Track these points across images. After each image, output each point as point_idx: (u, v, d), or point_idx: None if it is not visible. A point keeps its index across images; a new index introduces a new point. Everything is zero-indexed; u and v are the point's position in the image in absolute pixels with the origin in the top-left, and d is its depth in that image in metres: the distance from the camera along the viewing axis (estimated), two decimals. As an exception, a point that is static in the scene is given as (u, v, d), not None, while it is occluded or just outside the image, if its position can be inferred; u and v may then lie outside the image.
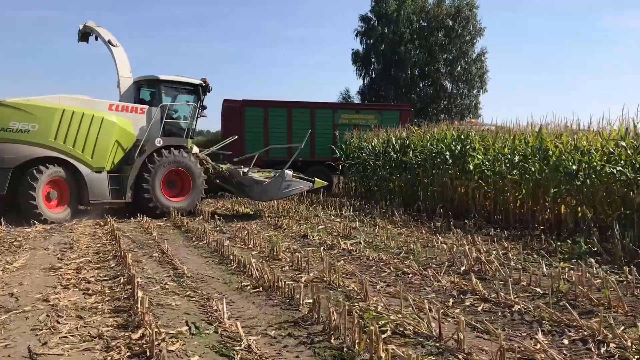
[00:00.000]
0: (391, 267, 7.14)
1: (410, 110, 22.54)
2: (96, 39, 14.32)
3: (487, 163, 12.60)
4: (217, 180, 13.86)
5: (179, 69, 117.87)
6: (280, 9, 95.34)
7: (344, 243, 9.04)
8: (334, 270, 6.51)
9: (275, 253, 8.02)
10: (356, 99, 47.84)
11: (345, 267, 6.96)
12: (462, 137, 13.65)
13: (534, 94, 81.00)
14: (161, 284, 6.21)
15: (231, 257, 7.65)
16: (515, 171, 11.71)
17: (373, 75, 47.75)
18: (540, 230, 10.64)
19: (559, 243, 8.78)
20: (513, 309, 5.15)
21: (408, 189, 15.54)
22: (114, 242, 9.07)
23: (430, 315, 4.59)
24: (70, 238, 9.80)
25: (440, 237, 9.63)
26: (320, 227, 10.93)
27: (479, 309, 5.26)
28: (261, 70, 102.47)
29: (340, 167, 19.27)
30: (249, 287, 6.05)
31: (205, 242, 9.36)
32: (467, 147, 13.38)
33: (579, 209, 10.24)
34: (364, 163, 17.94)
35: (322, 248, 8.88)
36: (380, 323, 4.57)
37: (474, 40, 46.70)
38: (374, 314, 4.84)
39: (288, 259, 7.70)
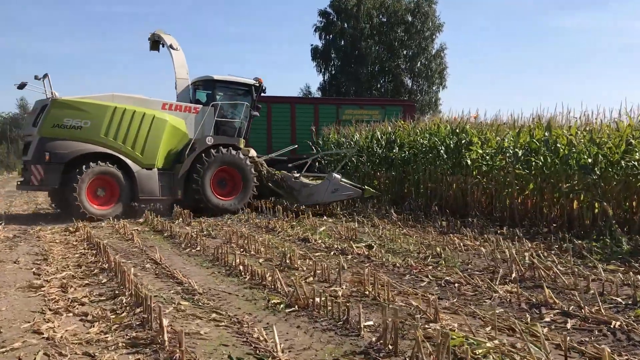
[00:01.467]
0: (429, 276, 6.28)
1: (413, 106, 22.51)
2: (163, 46, 14.55)
3: (487, 157, 11.92)
4: (270, 184, 13.65)
5: (129, 67, 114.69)
6: (228, 7, 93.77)
7: (357, 247, 8.14)
8: (368, 281, 5.61)
9: (289, 261, 7.05)
10: (317, 95, 47.00)
11: (380, 278, 6.06)
12: (458, 130, 12.94)
13: (475, 91, 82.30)
14: (173, 304, 5.16)
15: (241, 267, 6.64)
16: (518, 165, 11.06)
17: (333, 71, 47.03)
18: (552, 228, 10.02)
19: (592, 243, 8.08)
20: (612, 326, 4.35)
21: (394, 185, 14.79)
22: (94, 252, 7.91)
23: (538, 341, 3.73)
24: (41, 247, 8.56)
25: (455, 238, 8.86)
26: (322, 228, 9.98)
27: (567, 326, 4.45)
28: (212, 67, 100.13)
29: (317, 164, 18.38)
30: (282, 306, 5.06)
31: (199, 249, 8.30)
32: (463, 140, 12.68)
33: (596, 204, 9.64)
34: (343, 159, 17.05)
35: (332, 253, 7.97)
36: (477, 354, 3.69)
37: (434, 36, 46.60)
38: (461, 339, 3.94)
39: (306, 268, 6.76)
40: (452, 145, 12.84)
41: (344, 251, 8.02)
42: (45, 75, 11.88)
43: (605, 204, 9.24)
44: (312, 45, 47.42)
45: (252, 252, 7.95)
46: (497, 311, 4.87)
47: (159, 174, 12.35)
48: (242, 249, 8.23)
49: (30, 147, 11.76)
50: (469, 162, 12.30)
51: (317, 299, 5.01)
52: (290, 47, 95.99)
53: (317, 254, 7.92)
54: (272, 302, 5.21)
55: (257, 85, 13.69)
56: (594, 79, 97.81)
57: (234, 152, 12.97)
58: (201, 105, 13.26)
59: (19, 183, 12.96)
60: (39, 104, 12.11)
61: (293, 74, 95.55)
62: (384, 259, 7.26)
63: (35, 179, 11.30)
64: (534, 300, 5.15)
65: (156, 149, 12.31)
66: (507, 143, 11.83)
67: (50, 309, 5.01)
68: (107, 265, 6.85)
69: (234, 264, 6.88)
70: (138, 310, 4.77)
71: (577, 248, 7.82)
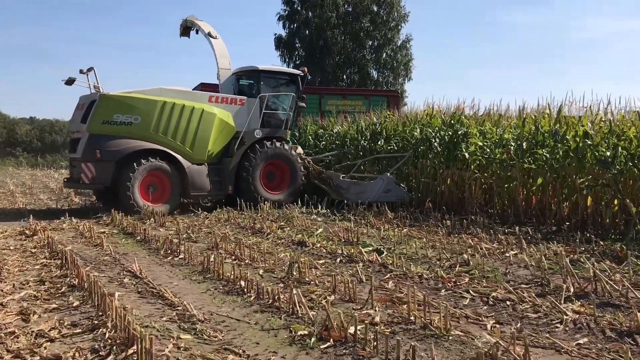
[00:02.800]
0: (470, 291, 5.29)
1: (398, 97, 21.69)
2: (197, 32, 14.33)
3: (488, 150, 11.05)
4: (316, 181, 13.40)
5: (83, 56, 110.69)
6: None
7: (366, 253, 7.11)
8: (412, 305, 4.60)
9: (297, 274, 5.96)
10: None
11: (416, 295, 5.04)
12: (453, 121, 12.05)
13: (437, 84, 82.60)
14: (172, 338, 4.02)
15: (242, 282, 5.52)
16: (522, 159, 10.22)
17: (298, 62, 45.81)
18: (564, 227, 9.23)
19: (621, 245, 7.26)
20: None
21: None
22: (58, 262, 6.65)
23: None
24: (-8, 257, 7.24)
25: (469, 240, 7.94)
26: (319, 230, 8.89)
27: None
28: (168, 59, 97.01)
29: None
30: (312, 340, 3.98)
31: (182, 257, 7.12)
32: (459, 132, 11.79)
33: (615, 201, 8.87)
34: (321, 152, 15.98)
35: (338, 260, 6.92)
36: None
37: (399, 27, 45.87)
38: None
39: (319, 282, 5.69)
40: (446, 138, 11.94)
41: (352, 258, 6.98)
42: (91, 69, 11.55)
43: (627, 200, 8.46)
44: (275, 34, 46.14)
45: (247, 260, 6.83)
46: (581, 341, 3.92)
47: (209, 169, 12.05)
48: (233, 257, 7.10)
49: (79, 144, 11.37)
50: (466, 155, 11.42)
51: (352, 328, 3.96)
52: (254, 37, 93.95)
53: (321, 261, 6.86)
54: (299, 333, 4.12)
55: (303, 75, 13.34)
56: (548, 74, 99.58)
57: (280, 144, 12.75)
58: (246, 97, 12.87)
59: (65, 180, 12.71)
60: (86, 99, 11.60)
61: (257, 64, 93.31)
62: (404, 269, 6.24)
63: (85, 177, 11.02)
64: (617, 324, 4.21)
65: (206, 144, 12.00)
66: (508, 135, 11.02)
67: (8, 350, 3.81)
68: (77, 280, 5.63)
69: (231, 277, 5.76)
70: (130, 351, 3.61)
71: (613, 252, 6.98)
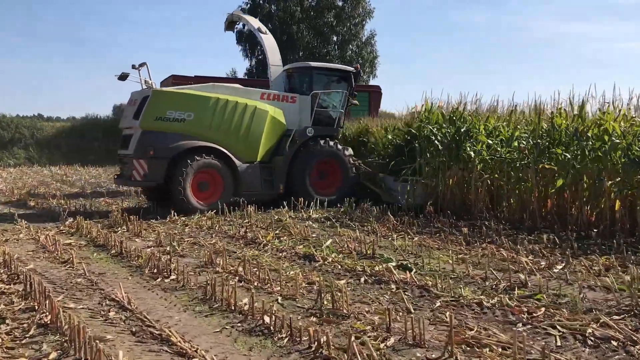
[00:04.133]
0: (556, 326, 4.24)
1: (380, 92, 20.46)
2: (243, 27, 14.93)
3: (499, 149, 10.11)
4: (367, 183, 12.64)
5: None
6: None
7: (397, 271, 6.01)
8: (476, 342, 3.53)
9: (330, 302, 4.81)
10: (244, 81, 44.32)
11: (494, 336, 3.96)
12: (454, 117, 11.08)
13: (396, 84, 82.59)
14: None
15: (267, 318, 4.34)
16: (540, 159, 9.32)
17: (260, 57, 44.44)
18: (591, 233, 8.35)
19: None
20: None
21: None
22: (21, 288, 5.31)
23: None
24: None
25: (503, 252, 6.94)
26: (328, 242, 7.70)
27: None
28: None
29: None
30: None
31: (175, 278, 5.87)
32: (462, 129, 10.83)
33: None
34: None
35: (363, 280, 5.81)
36: None
37: (364, 22, 45.02)
38: None
39: (359, 313, 4.56)
40: (448, 136, 10.95)
41: (380, 278, 5.87)
42: (143, 64, 11.33)
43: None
44: (237, 28, 44.67)
45: (256, 283, 5.64)
46: None
47: (261, 168, 11.70)
48: (237, 278, 5.89)
49: (131, 140, 11.02)
50: (472, 154, 10.45)
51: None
52: (214, 31, 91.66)
53: (341, 281, 5.74)
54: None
55: (355, 71, 12.87)
56: (498, 73, 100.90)
57: (332, 143, 12.25)
58: (298, 95, 12.52)
59: (115, 177, 12.43)
60: (138, 95, 11.24)
61: (218, 59, 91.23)
62: (453, 293, 5.17)
63: (137, 174, 10.70)
64: None
65: (258, 142, 11.65)
66: (519, 132, 10.12)
67: None
68: (49, 317, 4.34)
69: (248, 310, 4.57)
70: None
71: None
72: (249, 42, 44.45)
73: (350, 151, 12.69)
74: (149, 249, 7.47)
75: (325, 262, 6.66)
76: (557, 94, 10.27)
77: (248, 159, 11.57)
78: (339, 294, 4.89)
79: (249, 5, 44.23)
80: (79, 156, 35.28)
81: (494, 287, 5.43)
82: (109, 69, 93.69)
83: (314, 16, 43.60)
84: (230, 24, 15.14)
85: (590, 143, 8.85)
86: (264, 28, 13.63)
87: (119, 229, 9.16)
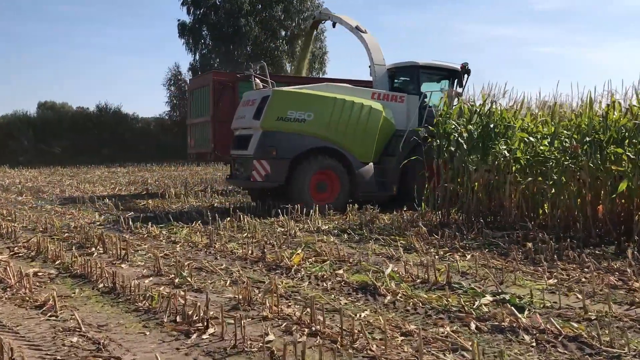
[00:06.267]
0: None
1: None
2: (334, 25, 14.01)
3: (542, 148, 8.78)
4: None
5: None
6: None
7: (506, 311, 4.46)
8: None
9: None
10: (188, 76, 42.00)
11: None
12: (481, 112, 9.69)
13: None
14: None
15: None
16: (597, 159, 8.04)
17: (204, 51, 42.24)
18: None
19: None
20: None
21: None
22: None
23: None
24: None
25: (604, 276, 5.54)
26: (389, 269, 5.99)
27: None
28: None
29: None
30: None
31: (215, 332, 4.09)
32: (491, 125, 9.45)
33: None
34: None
35: (474, 327, 4.24)
36: None
37: (313, 17, 43.53)
38: None
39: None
40: (475, 133, 9.55)
41: (497, 323, 4.29)
42: (262, 65, 11.71)
43: None
44: (179, 20, 42.32)
45: (340, 341, 3.95)
46: None
47: (375, 169, 11.39)
48: (303, 327, 4.18)
49: (250, 141, 10.98)
50: (506, 153, 9.08)
51: None
52: (153, 22, 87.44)
53: (440, 328, 4.17)
54: None
55: (463, 70, 12.43)
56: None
57: None
58: (406, 94, 12.23)
59: (228, 178, 12.71)
60: (255, 95, 11.34)
61: (160, 52, 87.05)
62: (628, 349, 3.67)
63: (258, 175, 10.66)
64: None
65: (372, 142, 11.41)
66: (561, 129, 8.83)
67: None
68: None
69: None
70: None
71: None
72: (192, 35, 42.20)
73: None
74: (147, 280, 5.64)
75: (395, 296, 5.04)
76: (608, 83, 8.80)
77: (363, 159, 11.33)
78: (464, 355, 3.30)
79: (192, -5, 41.98)
80: (7, 157, 32.23)
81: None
82: (33, 65, 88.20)
83: (262, 9, 41.83)
84: (314, 23, 14.88)
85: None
86: (363, 26, 13.04)
87: (93, 249, 7.21)
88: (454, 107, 10.18)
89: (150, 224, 8.94)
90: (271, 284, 4.95)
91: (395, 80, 12.96)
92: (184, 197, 13.78)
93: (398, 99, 12.12)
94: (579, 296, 4.91)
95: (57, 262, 6.47)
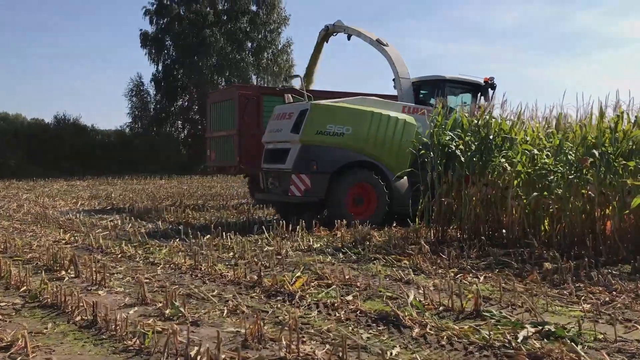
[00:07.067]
0: None
1: None
2: (349, 38, 13.79)
3: (547, 161, 8.32)
4: None
5: None
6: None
7: (558, 345, 3.87)
8: None
9: None
10: (151, 88, 40.87)
11: None
12: (480, 123, 9.21)
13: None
14: None
15: None
16: (608, 173, 7.62)
17: (168, 61, 41.21)
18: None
19: None
20: None
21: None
22: None
23: None
24: None
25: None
26: (411, 297, 5.32)
27: None
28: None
29: None
30: None
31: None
32: (491, 137, 8.98)
33: None
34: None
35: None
36: None
37: (280, 30, 43.10)
38: None
39: None
40: (473, 145, 9.06)
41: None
42: (297, 77, 11.64)
43: None
44: (141, 30, 41.20)
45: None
46: None
47: (409, 183, 11.14)
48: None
49: (288, 155, 10.81)
50: (507, 167, 8.60)
51: None
52: (114, 31, 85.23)
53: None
54: None
55: (485, 84, 12.48)
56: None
57: None
58: (431, 107, 11.54)
59: (256, 193, 12.70)
60: (290, 109, 11.20)
61: (121, 62, 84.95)
62: None
63: (297, 190, 10.50)
64: None
65: (407, 157, 10.97)
66: (566, 142, 8.41)
67: None
68: None
69: None
70: None
71: None
72: (155, 45, 41.14)
73: None
74: (132, 311, 4.86)
75: (427, 330, 4.40)
76: (614, 93, 8.42)
77: (399, 172, 11.11)
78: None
79: (154, 5, 41.02)
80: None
81: None
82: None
83: (227, 20, 41.13)
84: (326, 36, 14.24)
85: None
86: (384, 40, 12.88)
87: (64, 272, 6.36)
88: (449, 118, 9.66)
89: (124, 243, 8.11)
90: (286, 317, 4.25)
91: (421, 94, 12.83)
92: (154, 212, 12.91)
93: (426, 112, 11.75)
94: (627, 325, 4.38)
95: (22, 289, 5.61)
